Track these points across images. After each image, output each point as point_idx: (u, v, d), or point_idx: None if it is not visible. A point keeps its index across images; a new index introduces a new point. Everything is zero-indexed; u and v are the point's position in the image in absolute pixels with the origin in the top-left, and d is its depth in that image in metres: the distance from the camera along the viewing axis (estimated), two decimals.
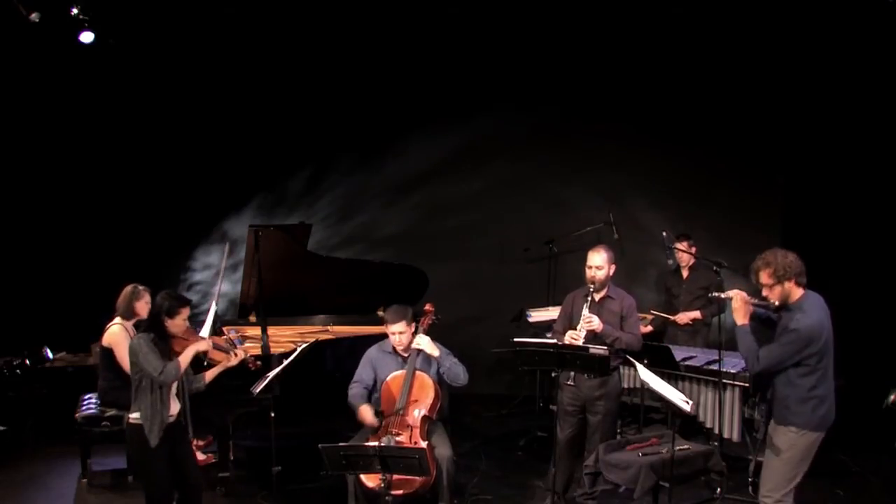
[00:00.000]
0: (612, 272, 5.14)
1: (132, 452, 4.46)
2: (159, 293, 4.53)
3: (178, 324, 4.44)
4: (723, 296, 4.43)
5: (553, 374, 5.00)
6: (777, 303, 4.21)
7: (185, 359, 4.42)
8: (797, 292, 4.20)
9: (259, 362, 5.25)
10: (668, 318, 6.84)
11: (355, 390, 5.16)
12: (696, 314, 6.76)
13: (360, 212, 8.51)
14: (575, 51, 7.95)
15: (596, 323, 4.97)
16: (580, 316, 5.03)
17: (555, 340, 5.08)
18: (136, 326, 5.66)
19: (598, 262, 5.08)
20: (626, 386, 6.09)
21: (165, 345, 4.42)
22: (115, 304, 5.76)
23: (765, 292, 4.23)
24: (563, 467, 5.19)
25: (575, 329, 5.00)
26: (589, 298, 5.04)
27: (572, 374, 5.04)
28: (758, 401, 5.36)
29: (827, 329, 4.17)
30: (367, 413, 5.03)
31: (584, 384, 5.08)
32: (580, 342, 4.90)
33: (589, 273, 5.10)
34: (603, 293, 5.15)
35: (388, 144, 8.44)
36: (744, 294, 4.31)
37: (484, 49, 8.01)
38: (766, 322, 4.39)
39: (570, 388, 5.11)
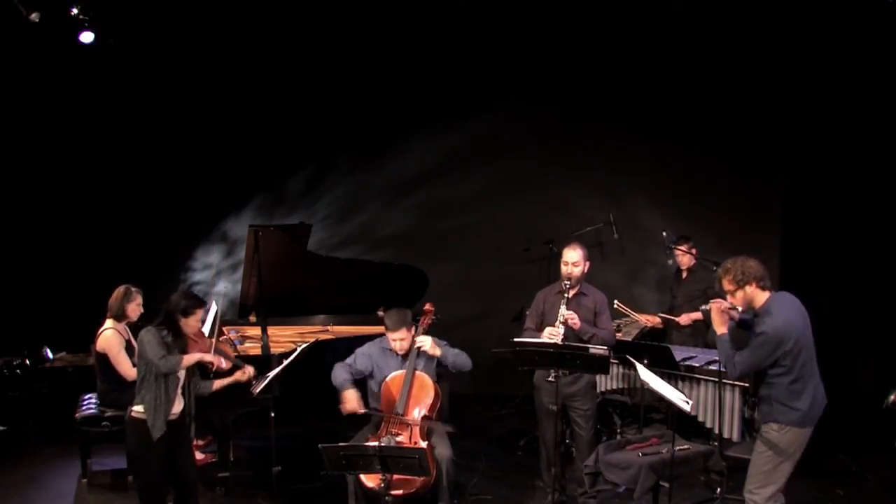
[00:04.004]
0: (587, 268, 5.18)
1: (131, 446, 4.47)
2: (176, 291, 4.59)
3: (191, 324, 4.46)
4: (706, 307, 4.55)
5: (553, 375, 5.00)
6: (742, 308, 4.29)
7: (188, 358, 4.44)
8: (761, 296, 4.26)
9: (254, 381, 5.19)
10: (673, 320, 6.84)
11: (342, 372, 5.07)
12: (698, 315, 6.75)
13: (360, 212, 8.51)
14: (575, 50, 7.94)
15: (576, 319, 5.01)
16: (553, 313, 5.08)
17: (555, 340, 5.07)
18: (129, 327, 5.69)
19: (575, 259, 5.13)
20: (624, 386, 6.07)
21: (177, 342, 4.41)
22: (108, 304, 5.75)
23: (729, 299, 4.33)
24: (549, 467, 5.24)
25: (553, 325, 5.03)
26: (565, 296, 5.07)
27: (551, 372, 5.01)
28: (757, 401, 5.35)
29: (798, 328, 4.22)
30: (352, 397, 4.97)
31: (559, 382, 5.06)
32: (559, 339, 4.94)
33: (565, 270, 5.14)
34: (576, 289, 5.18)
35: (388, 144, 8.43)
36: (720, 303, 4.39)
37: (484, 49, 8.00)
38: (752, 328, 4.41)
39: (548, 387, 5.09)
